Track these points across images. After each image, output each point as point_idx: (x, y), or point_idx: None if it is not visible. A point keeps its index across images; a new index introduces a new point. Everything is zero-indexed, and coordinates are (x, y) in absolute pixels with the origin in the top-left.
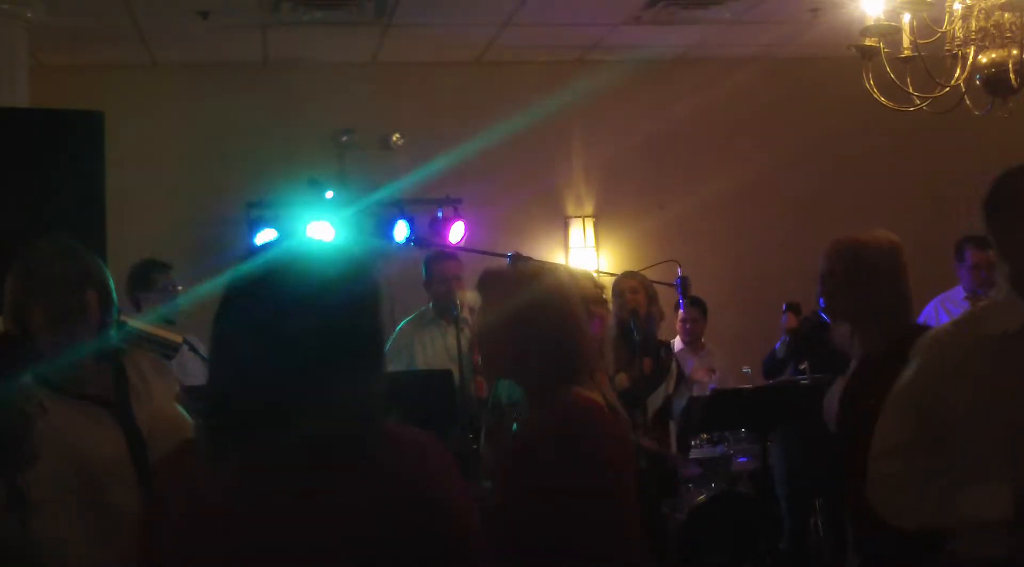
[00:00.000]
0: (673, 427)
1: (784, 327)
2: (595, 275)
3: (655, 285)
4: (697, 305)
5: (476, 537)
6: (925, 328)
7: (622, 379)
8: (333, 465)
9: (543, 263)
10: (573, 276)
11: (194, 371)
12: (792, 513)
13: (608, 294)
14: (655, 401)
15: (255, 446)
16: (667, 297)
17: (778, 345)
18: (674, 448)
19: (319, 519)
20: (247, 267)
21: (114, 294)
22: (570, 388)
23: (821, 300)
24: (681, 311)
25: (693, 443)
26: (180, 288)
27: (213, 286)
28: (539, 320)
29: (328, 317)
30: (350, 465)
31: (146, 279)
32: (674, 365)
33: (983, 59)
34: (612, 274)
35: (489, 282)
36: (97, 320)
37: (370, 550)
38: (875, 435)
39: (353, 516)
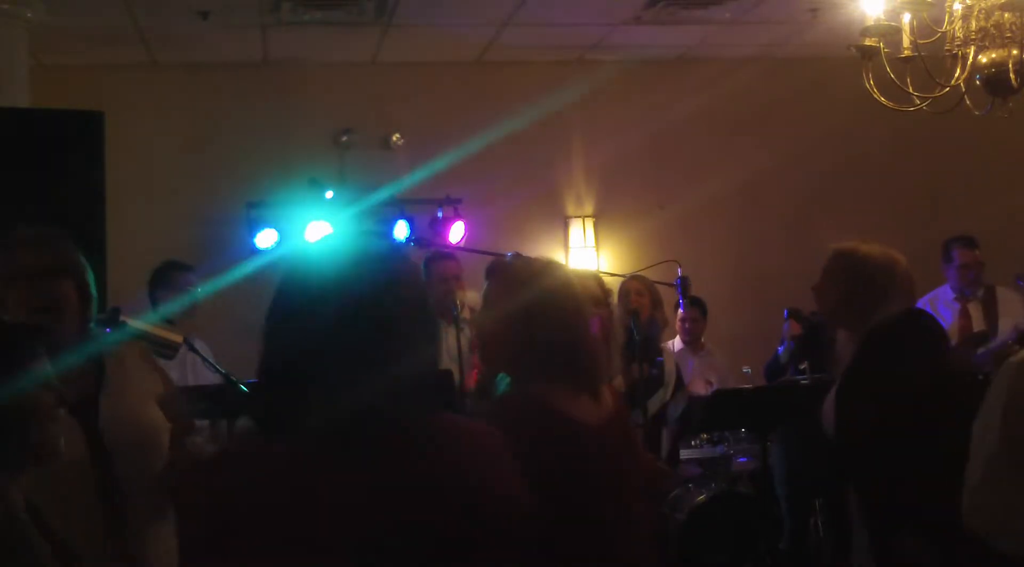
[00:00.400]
0: (666, 434)
1: (787, 334)
2: (600, 277)
3: (655, 286)
4: (697, 305)
5: (516, 529)
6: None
7: (619, 382)
8: (378, 447)
9: (551, 260)
10: (579, 275)
11: (203, 371)
12: (792, 513)
13: (614, 297)
14: (653, 405)
15: (303, 431)
16: (667, 297)
17: (780, 350)
18: (664, 454)
19: (365, 500)
20: (299, 260)
21: (94, 289)
22: (542, 387)
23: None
24: (681, 311)
25: (693, 443)
26: (198, 288)
27: (228, 283)
28: (542, 316)
29: (375, 304)
30: (393, 447)
31: (165, 278)
32: (674, 370)
33: (983, 59)
34: (613, 274)
35: (496, 273)
36: (77, 313)
37: (410, 532)
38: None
39: (396, 498)
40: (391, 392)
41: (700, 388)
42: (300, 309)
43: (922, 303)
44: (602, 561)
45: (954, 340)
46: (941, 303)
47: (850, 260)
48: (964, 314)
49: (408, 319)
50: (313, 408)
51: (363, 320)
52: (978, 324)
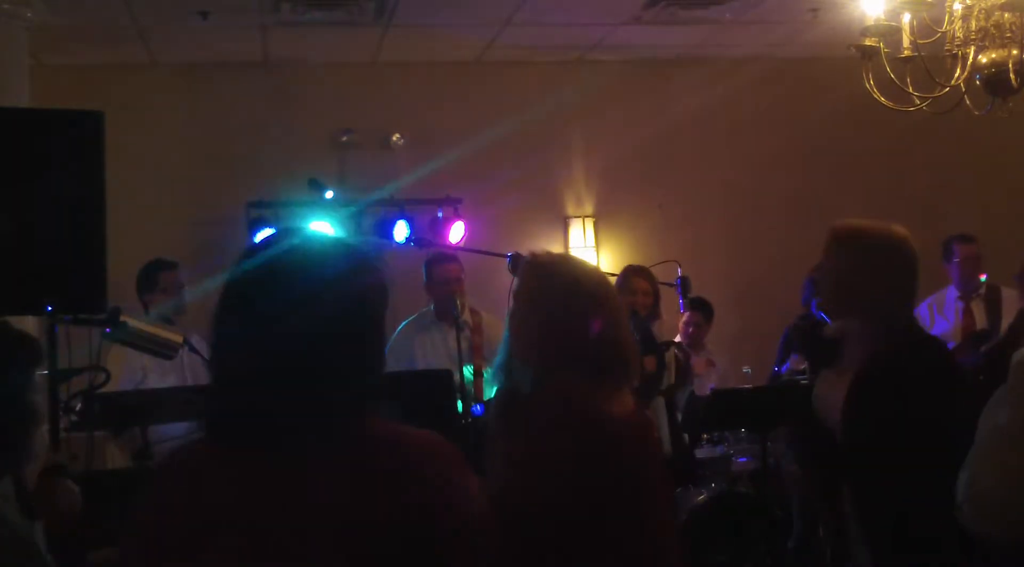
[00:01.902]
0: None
1: (792, 364)
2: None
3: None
4: (702, 309)
5: (474, 537)
6: (920, 330)
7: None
8: (325, 458)
9: (574, 256)
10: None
11: (202, 371)
12: (803, 514)
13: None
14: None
15: (251, 440)
16: (667, 297)
17: (785, 367)
18: (670, 445)
19: (312, 513)
20: (249, 261)
21: None
22: (582, 382)
23: (814, 301)
24: (686, 314)
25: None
26: (185, 286)
27: (218, 284)
28: (583, 311)
29: (327, 310)
30: (342, 458)
31: (150, 279)
32: (674, 359)
33: (983, 59)
34: (613, 275)
35: (530, 270)
36: None
37: (362, 545)
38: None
39: (345, 510)
40: (342, 398)
41: (703, 369)
42: (256, 314)
43: (926, 305)
44: (642, 555)
45: (957, 340)
46: (945, 304)
47: (853, 240)
48: (967, 313)
49: (362, 326)
50: (261, 414)
51: (317, 326)
52: (981, 323)
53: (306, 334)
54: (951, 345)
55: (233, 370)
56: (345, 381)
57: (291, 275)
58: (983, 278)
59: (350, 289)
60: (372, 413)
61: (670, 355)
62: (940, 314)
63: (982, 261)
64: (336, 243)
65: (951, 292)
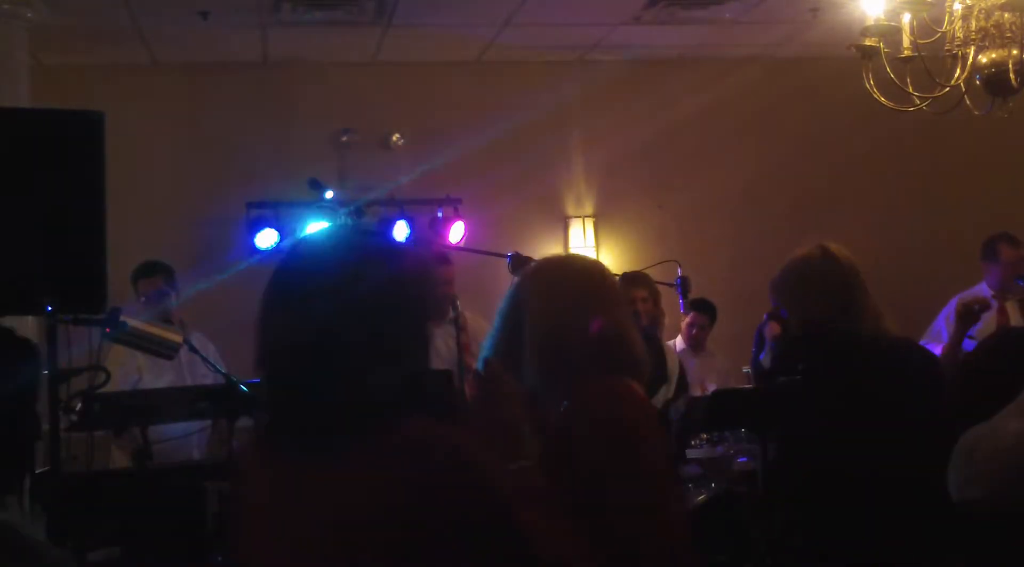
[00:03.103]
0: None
1: (768, 336)
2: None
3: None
4: (706, 311)
5: (520, 514)
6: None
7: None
8: (362, 446)
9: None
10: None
11: (201, 370)
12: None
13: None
14: (657, 401)
15: (293, 431)
16: (668, 297)
17: (762, 355)
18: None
19: (349, 500)
20: (298, 248)
21: None
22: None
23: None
24: (690, 315)
25: (693, 443)
26: (172, 293)
27: (218, 284)
28: (597, 310)
29: (367, 300)
30: (378, 446)
31: (134, 285)
32: (676, 368)
33: (983, 59)
34: (614, 274)
35: (533, 274)
36: None
37: (397, 534)
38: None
39: (381, 498)
40: (387, 392)
41: (697, 391)
42: (294, 303)
43: (956, 301)
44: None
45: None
46: None
47: (787, 267)
48: (1002, 311)
49: (405, 316)
50: (305, 406)
51: (358, 317)
52: (1016, 321)
53: (346, 327)
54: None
55: (277, 364)
56: (385, 378)
57: (330, 268)
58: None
59: (402, 287)
60: (411, 411)
61: (673, 366)
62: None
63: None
64: (384, 239)
65: (984, 290)
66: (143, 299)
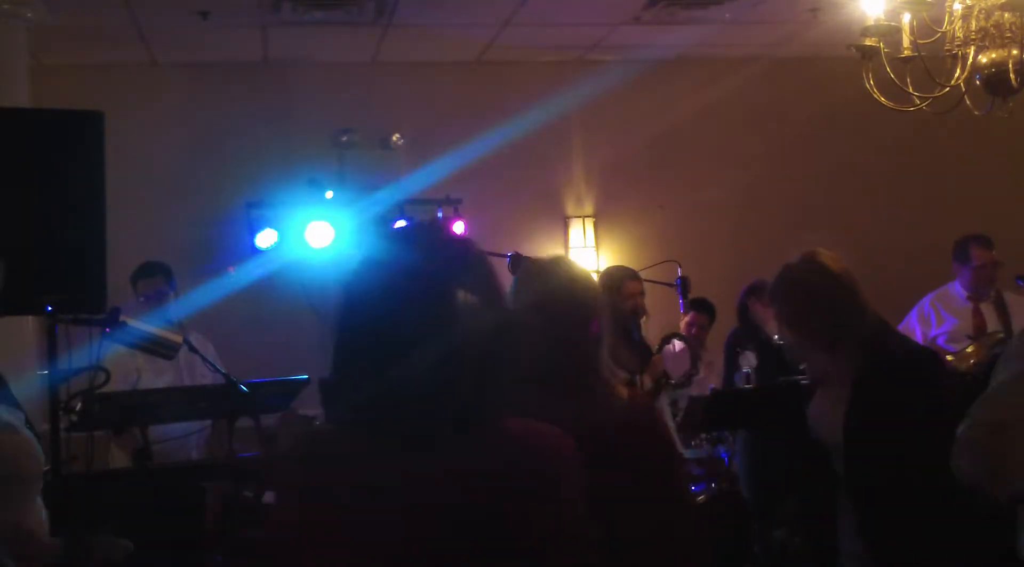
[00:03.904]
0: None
1: (743, 363)
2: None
3: (655, 285)
4: (706, 311)
5: (578, 530)
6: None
7: (645, 379)
8: (446, 443)
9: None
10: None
11: (200, 370)
12: (760, 515)
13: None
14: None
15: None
16: (668, 297)
17: (737, 377)
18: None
19: (434, 497)
20: (372, 253)
21: None
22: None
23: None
24: (690, 314)
25: (693, 443)
26: (172, 293)
27: (223, 286)
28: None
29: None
30: (462, 444)
31: (133, 286)
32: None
33: (983, 59)
34: (597, 271)
35: (525, 271)
36: None
37: (476, 530)
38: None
39: (460, 493)
40: (472, 388)
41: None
42: (373, 304)
43: (928, 300)
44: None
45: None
46: (951, 300)
47: (785, 279)
48: (977, 313)
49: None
50: (383, 401)
51: (438, 314)
52: (992, 324)
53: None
54: (966, 341)
55: (357, 363)
56: (500, 380)
57: (416, 269)
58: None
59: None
60: (507, 408)
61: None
62: (948, 312)
63: (998, 267)
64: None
65: (957, 290)
66: (142, 299)
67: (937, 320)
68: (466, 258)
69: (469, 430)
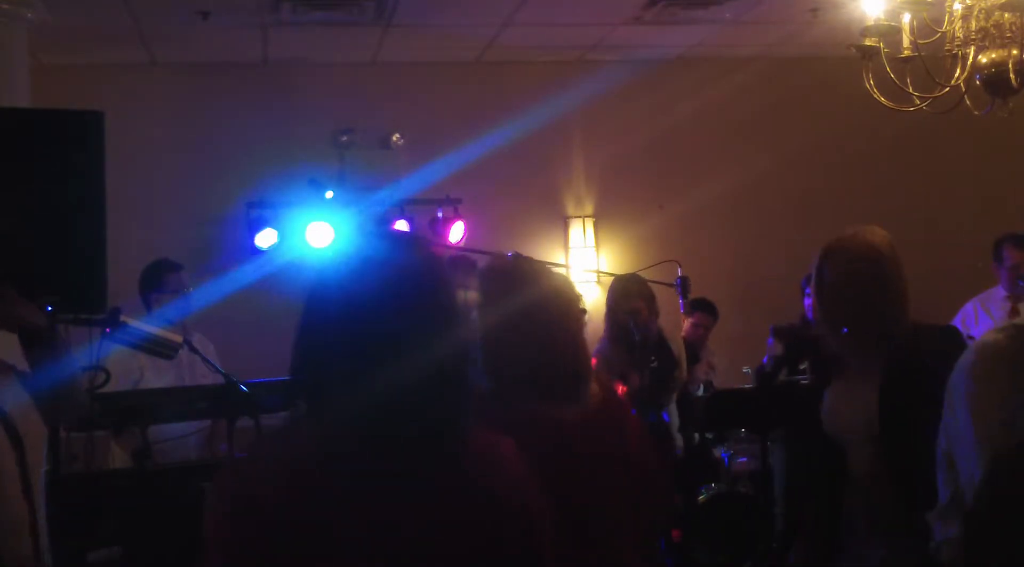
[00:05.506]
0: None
1: (770, 351)
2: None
3: (654, 285)
4: (709, 311)
5: (546, 544)
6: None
7: (634, 380)
8: (415, 463)
9: (539, 265)
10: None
11: (201, 370)
12: (786, 514)
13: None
14: (673, 388)
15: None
16: (668, 297)
17: (766, 359)
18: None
19: (399, 514)
20: (334, 261)
21: None
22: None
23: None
24: (695, 315)
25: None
26: (190, 289)
27: (223, 286)
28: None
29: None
30: (433, 464)
31: (157, 279)
32: (682, 349)
33: (983, 59)
34: (612, 274)
35: (488, 278)
36: None
37: (446, 550)
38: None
39: (431, 514)
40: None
41: (702, 375)
42: (331, 316)
43: (971, 304)
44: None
45: None
46: (992, 302)
47: (832, 255)
48: (1014, 313)
49: (440, 325)
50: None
51: (392, 329)
52: None
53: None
54: None
55: (314, 364)
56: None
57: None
58: None
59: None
60: (471, 426)
61: (679, 349)
62: (986, 312)
63: None
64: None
65: (999, 291)
66: (170, 293)
67: (975, 320)
68: (432, 274)
69: (443, 445)
